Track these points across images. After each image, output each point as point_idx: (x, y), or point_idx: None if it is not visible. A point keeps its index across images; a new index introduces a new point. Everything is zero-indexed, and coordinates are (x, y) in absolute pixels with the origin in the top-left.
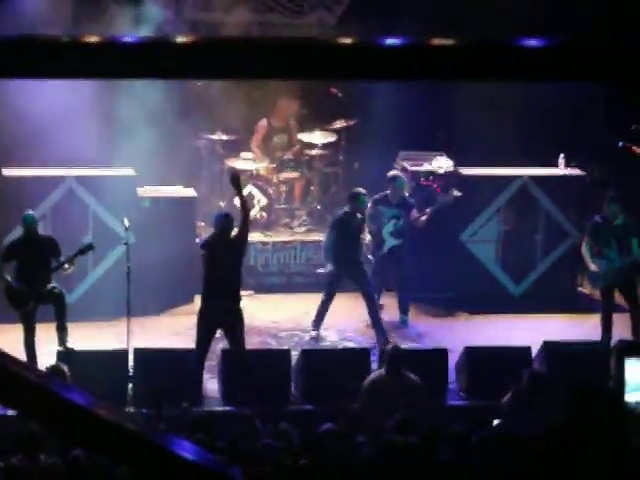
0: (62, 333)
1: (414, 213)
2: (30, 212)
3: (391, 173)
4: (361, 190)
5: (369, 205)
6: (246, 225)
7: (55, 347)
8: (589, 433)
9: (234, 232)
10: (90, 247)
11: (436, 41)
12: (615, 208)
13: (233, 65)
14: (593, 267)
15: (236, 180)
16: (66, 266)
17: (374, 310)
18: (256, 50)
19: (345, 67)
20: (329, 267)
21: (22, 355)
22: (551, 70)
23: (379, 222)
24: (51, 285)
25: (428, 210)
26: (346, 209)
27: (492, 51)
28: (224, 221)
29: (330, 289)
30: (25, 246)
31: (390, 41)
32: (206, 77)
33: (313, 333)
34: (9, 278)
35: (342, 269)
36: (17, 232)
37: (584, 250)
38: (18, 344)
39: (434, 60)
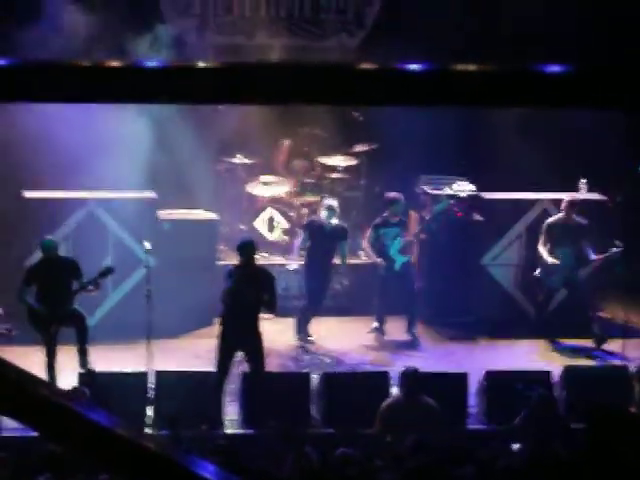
0: (83, 355)
1: (410, 230)
2: (48, 238)
3: (390, 195)
4: (332, 203)
5: (369, 231)
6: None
7: (76, 369)
8: (614, 457)
9: (263, 272)
10: (110, 270)
11: (458, 67)
12: (573, 210)
13: (255, 90)
14: (551, 260)
15: None
16: (91, 287)
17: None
18: (278, 75)
19: (367, 93)
20: (294, 265)
21: (43, 377)
22: (574, 97)
23: (381, 245)
24: (73, 307)
25: (426, 219)
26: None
27: (514, 77)
28: (247, 248)
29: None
30: (46, 269)
31: (412, 66)
32: (229, 102)
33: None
34: (31, 301)
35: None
36: (38, 254)
37: (540, 247)
38: (39, 366)
39: (456, 86)
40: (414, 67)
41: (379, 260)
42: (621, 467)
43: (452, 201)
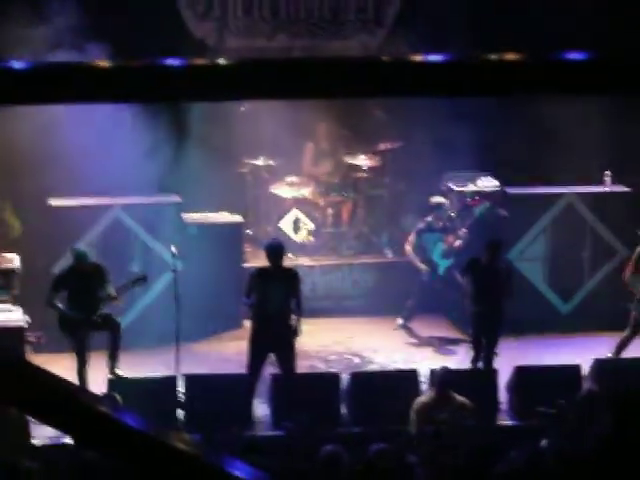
0: (114, 360)
1: (449, 239)
2: (80, 247)
3: (435, 200)
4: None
5: (412, 236)
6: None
7: (106, 375)
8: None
9: (289, 272)
10: (143, 279)
11: (479, 56)
12: None
13: (275, 85)
14: None
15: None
16: (122, 294)
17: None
18: (298, 69)
19: (390, 85)
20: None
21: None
22: (595, 84)
23: (423, 250)
24: (106, 312)
25: (463, 231)
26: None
27: (536, 65)
28: (276, 251)
29: None
30: (76, 275)
31: (433, 57)
32: (249, 98)
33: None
34: (61, 306)
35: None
36: (65, 261)
37: (628, 275)
38: (69, 373)
39: (477, 76)
40: (435, 58)
41: (423, 266)
42: None
43: (484, 200)
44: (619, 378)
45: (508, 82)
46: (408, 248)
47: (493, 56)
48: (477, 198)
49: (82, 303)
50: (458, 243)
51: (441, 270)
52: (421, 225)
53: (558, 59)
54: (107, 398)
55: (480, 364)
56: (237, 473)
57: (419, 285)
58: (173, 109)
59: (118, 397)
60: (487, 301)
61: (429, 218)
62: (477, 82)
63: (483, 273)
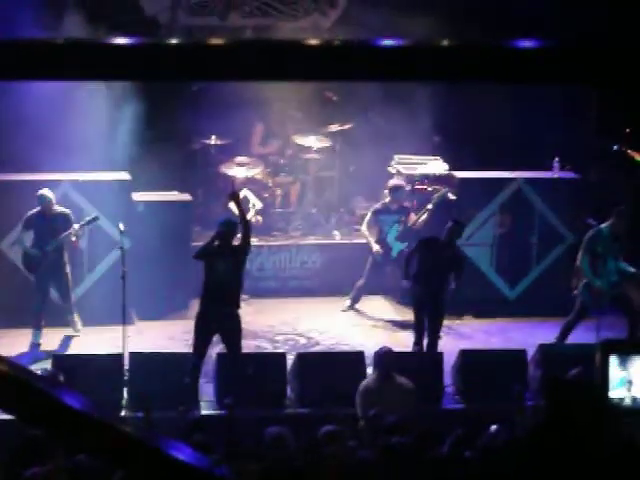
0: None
1: (412, 217)
2: (45, 192)
3: (393, 183)
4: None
5: (368, 215)
6: (247, 237)
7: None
8: (569, 428)
9: (236, 241)
10: (95, 219)
11: (431, 42)
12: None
13: (228, 67)
14: (598, 283)
15: (236, 198)
16: (73, 238)
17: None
18: (251, 52)
19: (339, 68)
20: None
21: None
22: (546, 72)
23: (379, 231)
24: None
25: (428, 207)
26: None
27: (486, 53)
28: (227, 226)
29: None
30: (41, 218)
31: (383, 42)
32: (203, 79)
33: None
34: (27, 244)
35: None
36: (12, 236)
37: (580, 264)
38: (16, 348)
39: (428, 61)
40: (387, 42)
41: (376, 246)
42: (576, 432)
43: (426, 180)
44: (563, 364)
45: (460, 68)
46: (363, 227)
47: (444, 42)
48: (425, 182)
49: (44, 244)
50: (420, 220)
51: (394, 253)
52: (378, 206)
53: (509, 46)
54: (49, 376)
55: (424, 347)
56: (175, 454)
57: (371, 265)
58: (126, 86)
59: (61, 375)
60: (432, 282)
61: (386, 200)
62: (428, 67)
63: (434, 253)
